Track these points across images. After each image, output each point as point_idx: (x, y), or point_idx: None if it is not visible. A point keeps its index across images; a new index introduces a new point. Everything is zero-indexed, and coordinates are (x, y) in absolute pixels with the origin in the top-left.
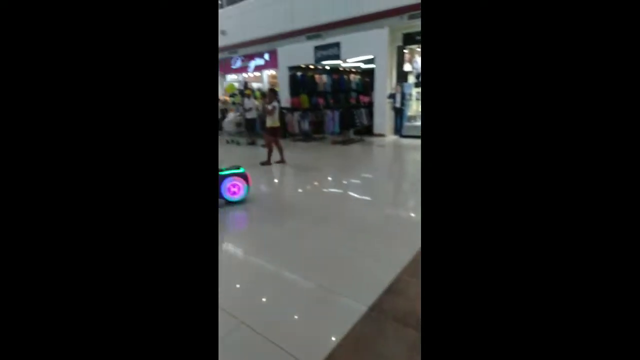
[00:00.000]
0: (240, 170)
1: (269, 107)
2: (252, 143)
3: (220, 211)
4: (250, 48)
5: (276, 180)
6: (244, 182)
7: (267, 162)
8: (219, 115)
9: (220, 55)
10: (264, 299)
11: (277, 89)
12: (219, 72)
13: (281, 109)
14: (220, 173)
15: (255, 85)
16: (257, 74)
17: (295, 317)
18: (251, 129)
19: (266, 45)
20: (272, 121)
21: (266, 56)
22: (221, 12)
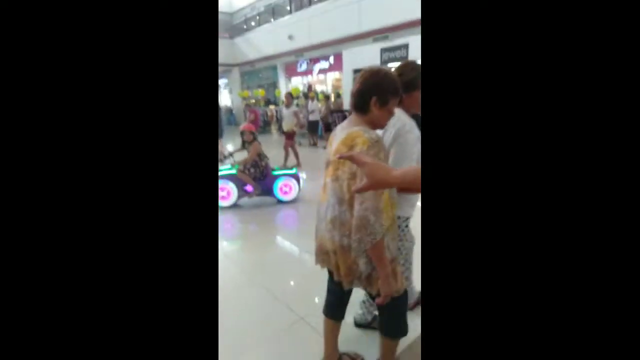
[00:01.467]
0: (293, 171)
1: (287, 111)
2: (314, 144)
3: (273, 209)
4: (316, 51)
5: None
6: (295, 182)
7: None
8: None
9: (287, 59)
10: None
11: (340, 92)
12: (285, 75)
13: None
14: (273, 173)
15: (318, 88)
16: (321, 76)
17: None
18: (314, 130)
19: (331, 48)
20: (288, 125)
21: (331, 59)
22: (288, 17)
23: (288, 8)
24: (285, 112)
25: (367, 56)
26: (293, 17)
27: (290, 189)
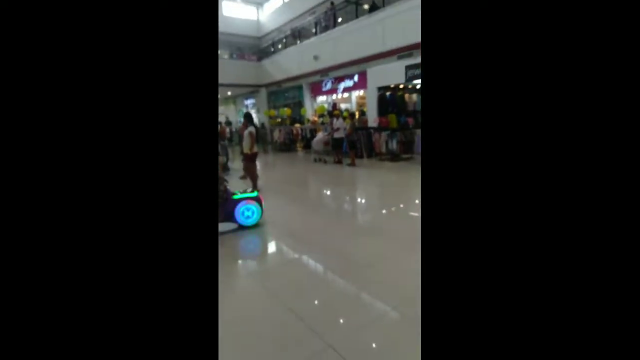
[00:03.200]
0: (254, 194)
1: (245, 132)
2: (339, 162)
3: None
4: (341, 70)
5: (354, 198)
6: (257, 205)
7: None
8: (308, 135)
9: (312, 79)
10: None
11: (364, 109)
12: (310, 94)
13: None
14: (233, 197)
15: (343, 106)
16: (346, 95)
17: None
18: (338, 147)
19: (356, 67)
20: (247, 147)
21: (355, 78)
22: (314, 39)
23: (313, 30)
24: (245, 133)
25: (392, 73)
26: (318, 39)
27: (253, 213)
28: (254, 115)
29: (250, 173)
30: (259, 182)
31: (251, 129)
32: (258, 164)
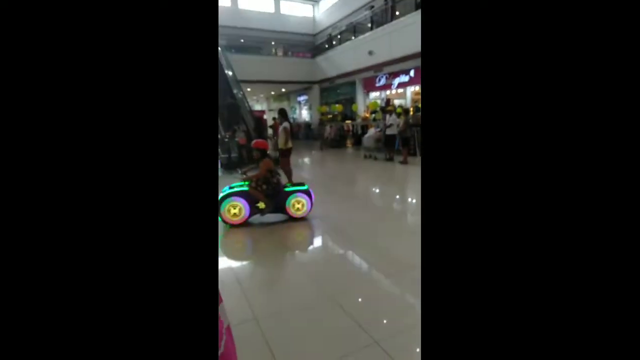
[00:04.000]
0: (304, 187)
1: (280, 128)
2: (390, 159)
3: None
4: (396, 65)
5: (404, 196)
6: (307, 198)
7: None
8: (359, 131)
9: (366, 75)
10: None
11: (419, 105)
12: (363, 90)
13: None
14: (285, 189)
15: (397, 102)
16: (400, 90)
17: None
18: (391, 144)
19: (412, 61)
20: (282, 142)
21: (412, 72)
22: (369, 34)
23: (369, 25)
24: (279, 129)
25: None
26: (374, 33)
27: (303, 205)
28: (306, 112)
29: (284, 168)
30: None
31: (286, 124)
32: (306, 159)
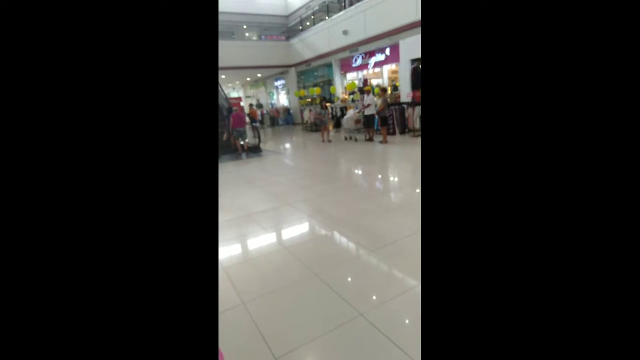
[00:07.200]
0: None
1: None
2: (370, 139)
3: None
4: (372, 44)
5: (385, 176)
6: None
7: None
8: (339, 113)
9: (342, 55)
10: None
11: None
12: (340, 71)
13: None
14: None
15: (374, 81)
16: (377, 70)
17: None
18: (370, 124)
19: (387, 39)
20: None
21: (387, 51)
22: (342, 13)
23: (343, 3)
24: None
25: None
26: (347, 12)
27: None
28: (284, 97)
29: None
30: (288, 160)
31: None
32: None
